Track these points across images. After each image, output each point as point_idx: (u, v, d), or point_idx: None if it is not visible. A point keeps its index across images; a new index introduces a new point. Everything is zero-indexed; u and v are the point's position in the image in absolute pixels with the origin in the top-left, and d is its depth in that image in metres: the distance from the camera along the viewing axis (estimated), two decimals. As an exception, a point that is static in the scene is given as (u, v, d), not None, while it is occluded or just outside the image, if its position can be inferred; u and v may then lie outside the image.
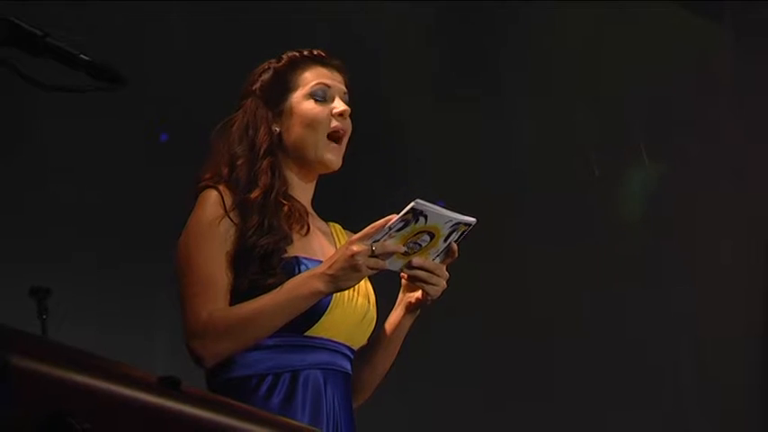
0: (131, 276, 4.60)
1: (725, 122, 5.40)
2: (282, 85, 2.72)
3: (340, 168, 2.73)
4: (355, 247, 2.47)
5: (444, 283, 2.59)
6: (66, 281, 4.36)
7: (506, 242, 5.20)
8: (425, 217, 2.45)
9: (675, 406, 5.35)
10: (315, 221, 2.76)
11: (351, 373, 2.69)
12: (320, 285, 2.51)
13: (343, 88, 2.75)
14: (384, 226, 2.46)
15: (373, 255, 2.47)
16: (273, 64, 2.76)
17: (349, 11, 5.03)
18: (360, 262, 2.46)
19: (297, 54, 2.75)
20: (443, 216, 2.48)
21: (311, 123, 2.69)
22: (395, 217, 2.45)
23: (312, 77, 2.72)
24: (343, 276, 2.49)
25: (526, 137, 5.36)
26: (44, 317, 4.02)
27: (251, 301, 2.54)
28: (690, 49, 5.43)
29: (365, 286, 2.71)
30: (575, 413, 5.20)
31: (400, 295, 2.70)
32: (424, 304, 2.66)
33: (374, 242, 2.47)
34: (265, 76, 2.75)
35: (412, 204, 2.43)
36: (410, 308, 2.68)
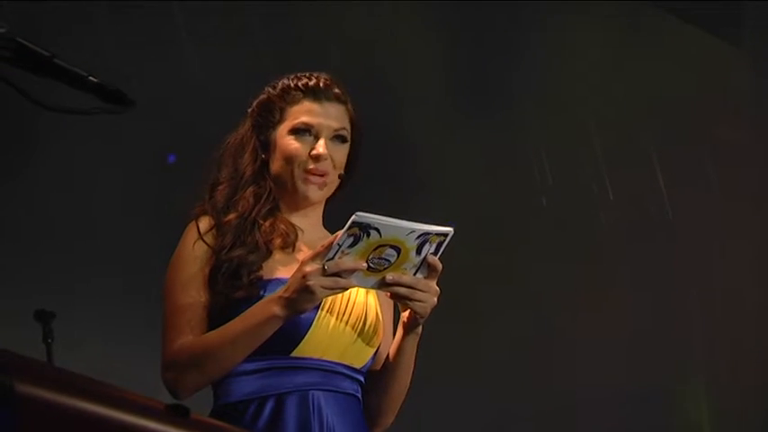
0: (138, 301, 4.57)
1: (743, 143, 5.41)
2: (271, 115, 2.70)
3: (333, 198, 2.72)
4: (307, 268, 2.42)
5: (433, 299, 2.51)
6: (73, 305, 4.34)
7: (517, 255, 5.20)
8: (377, 230, 2.37)
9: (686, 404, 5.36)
10: (316, 241, 2.66)
11: (352, 392, 2.63)
12: (276, 309, 2.47)
13: (335, 124, 2.69)
14: (333, 243, 2.40)
15: (328, 274, 2.41)
16: (269, 89, 2.74)
17: (360, 25, 5.02)
18: (311, 283, 2.40)
19: (290, 84, 2.71)
20: (401, 228, 2.39)
21: (288, 159, 2.67)
22: (340, 232, 2.39)
23: (299, 113, 2.68)
24: (297, 299, 2.44)
25: (538, 153, 5.35)
26: (49, 341, 3.99)
27: (214, 332, 2.53)
28: (708, 72, 5.43)
29: (364, 303, 2.65)
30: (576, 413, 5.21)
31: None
32: (417, 323, 2.58)
33: (328, 260, 2.41)
34: (259, 100, 2.74)
35: (353, 218, 2.35)
36: (406, 328, 2.61)
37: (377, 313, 2.68)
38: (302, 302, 2.44)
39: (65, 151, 4.50)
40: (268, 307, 2.48)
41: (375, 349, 2.68)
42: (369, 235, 2.37)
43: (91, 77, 1.80)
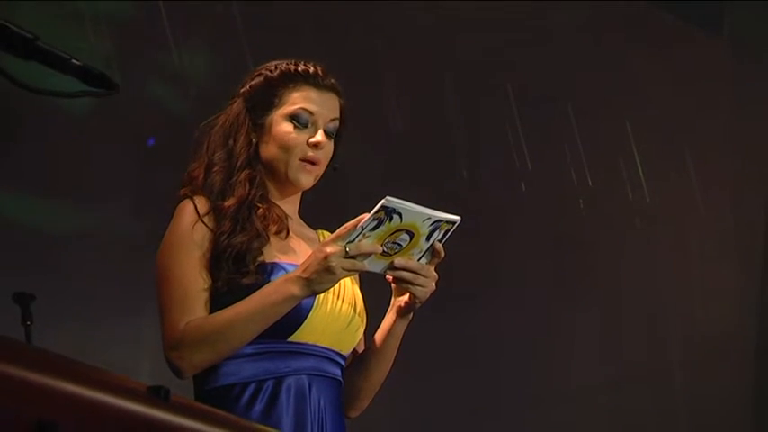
0: (118, 283, 4.57)
1: (722, 130, 5.44)
2: (268, 98, 2.69)
3: (313, 186, 2.71)
4: (328, 249, 2.44)
5: (432, 284, 2.55)
6: (52, 287, 4.33)
7: (496, 240, 5.21)
8: (399, 215, 2.40)
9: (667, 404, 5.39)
10: (298, 227, 2.74)
11: (340, 378, 2.67)
12: (294, 289, 2.48)
13: (331, 115, 2.70)
14: (356, 225, 2.42)
15: (348, 256, 2.43)
16: (266, 72, 2.72)
17: (343, 15, 5.02)
18: (333, 264, 2.42)
19: (291, 68, 2.70)
20: (420, 213, 2.43)
21: (285, 146, 2.66)
22: (366, 216, 2.41)
23: (298, 99, 2.67)
24: (317, 279, 2.45)
25: (518, 139, 5.37)
26: (28, 323, 3.98)
27: (227, 309, 2.53)
28: (689, 59, 5.45)
29: (352, 291, 2.68)
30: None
31: (392, 300, 2.66)
32: (414, 307, 2.62)
33: (348, 243, 2.43)
34: (255, 82, 2.71)
35: (382, 202, 2.38)
36: (401, 312, 2.64)
37: (362, 300, 2.70)
38: (322, 283, 2.46)
39: (46, 133, 4.49)
40: (285, 286, 2.49)
41: (361, 335, 2.71)
42: (391, 219, 2.41)
43: (74, 60, 1.79)
